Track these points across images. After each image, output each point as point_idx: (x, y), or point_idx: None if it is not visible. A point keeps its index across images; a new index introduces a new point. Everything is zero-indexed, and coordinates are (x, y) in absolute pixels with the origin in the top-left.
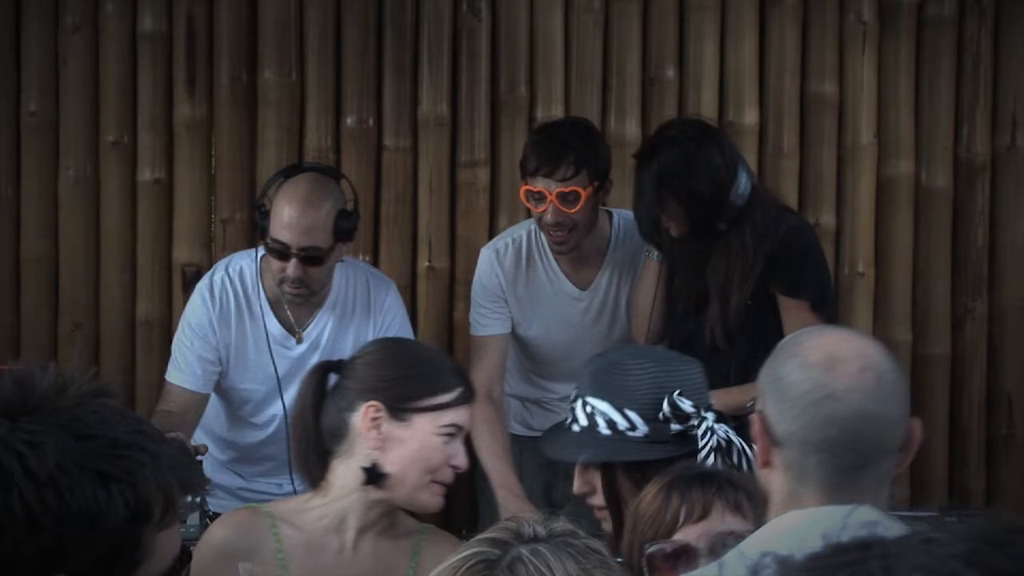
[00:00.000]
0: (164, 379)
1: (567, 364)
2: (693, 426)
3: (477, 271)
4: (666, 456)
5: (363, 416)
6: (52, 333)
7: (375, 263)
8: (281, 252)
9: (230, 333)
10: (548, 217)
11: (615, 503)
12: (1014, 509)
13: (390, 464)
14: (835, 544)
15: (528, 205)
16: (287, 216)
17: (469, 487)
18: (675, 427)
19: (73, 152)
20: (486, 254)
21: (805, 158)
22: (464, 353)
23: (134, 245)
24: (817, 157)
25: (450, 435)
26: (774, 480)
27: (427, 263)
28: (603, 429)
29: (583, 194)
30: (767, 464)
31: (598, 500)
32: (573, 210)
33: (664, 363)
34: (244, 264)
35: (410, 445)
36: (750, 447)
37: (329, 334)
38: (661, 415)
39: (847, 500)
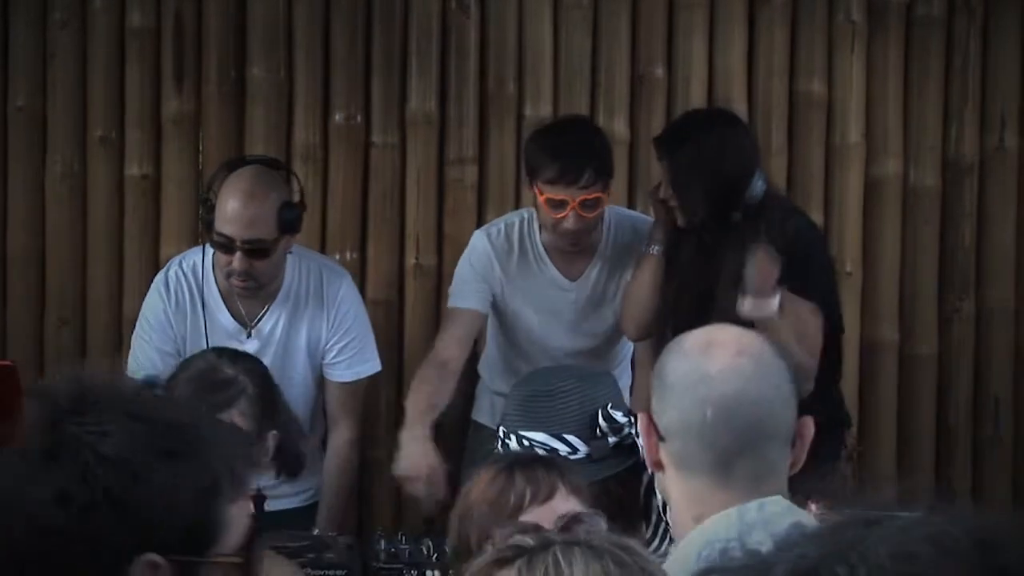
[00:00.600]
0: None
1: (556, 360)
2: (627, 436)
3: (466, 251)
4: (613, 472)
5: None
6: (39, 329)
7: (362, 260)
8: (226, 245)
9: (185, 326)
10: (569, 224)
11: None
12: (1000, 510)
13: None
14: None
15: (547, 212)
16: (231, 209)
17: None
18: (612, 440)
19: (60, 147)
20: (479, 235)
21: (793, 157)
22: None
23: (121, 241)
24: (805, 156)
25: None
26: (669, 481)
27: (414, 260)
28: None
29: (603, 198)
30: (657, 464)
31: None
32: (592, 215)
33: (584, 380)
34: (197, 259)
35: None
36: None
37: (283, 328)
38: (598, 431)
39: (739, 488)
